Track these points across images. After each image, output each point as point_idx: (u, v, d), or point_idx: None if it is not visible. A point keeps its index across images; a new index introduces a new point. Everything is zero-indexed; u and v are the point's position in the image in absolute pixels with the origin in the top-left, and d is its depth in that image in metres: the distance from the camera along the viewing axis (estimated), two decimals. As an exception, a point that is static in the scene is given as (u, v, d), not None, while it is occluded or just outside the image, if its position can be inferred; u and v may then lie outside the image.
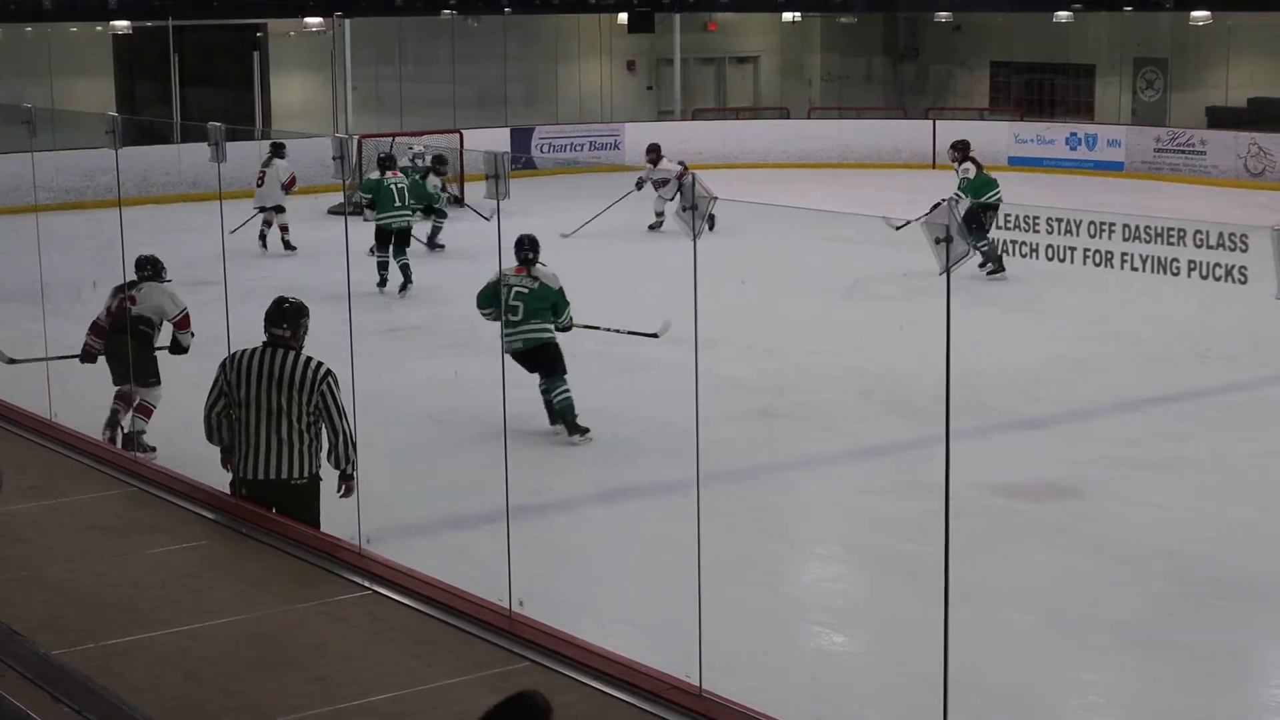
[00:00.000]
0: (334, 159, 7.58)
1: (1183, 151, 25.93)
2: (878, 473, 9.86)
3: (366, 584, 6.10)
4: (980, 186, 16.04)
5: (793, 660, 7.04)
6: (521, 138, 26.39)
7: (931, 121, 27.96)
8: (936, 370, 4.66)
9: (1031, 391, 11.41)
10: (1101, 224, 9.46)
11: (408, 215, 15.81)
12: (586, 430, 10.31)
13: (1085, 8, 27.87)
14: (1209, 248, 9.68)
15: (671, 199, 18.60)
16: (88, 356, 10.10)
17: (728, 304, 13.74)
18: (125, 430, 9.90)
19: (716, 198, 7.32)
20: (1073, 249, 9.74)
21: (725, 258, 14.16)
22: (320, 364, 6.91)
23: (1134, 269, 9.61)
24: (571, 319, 10.48)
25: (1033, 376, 11.60)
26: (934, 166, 26.74)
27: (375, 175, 16.31)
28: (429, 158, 19.12)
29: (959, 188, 16.23)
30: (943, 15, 30.14)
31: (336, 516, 6.86)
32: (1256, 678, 6.55)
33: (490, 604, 5.80)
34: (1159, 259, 9.44)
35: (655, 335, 11.09)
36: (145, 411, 9.93)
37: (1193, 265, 9.55)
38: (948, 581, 4.56)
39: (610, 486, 9.55)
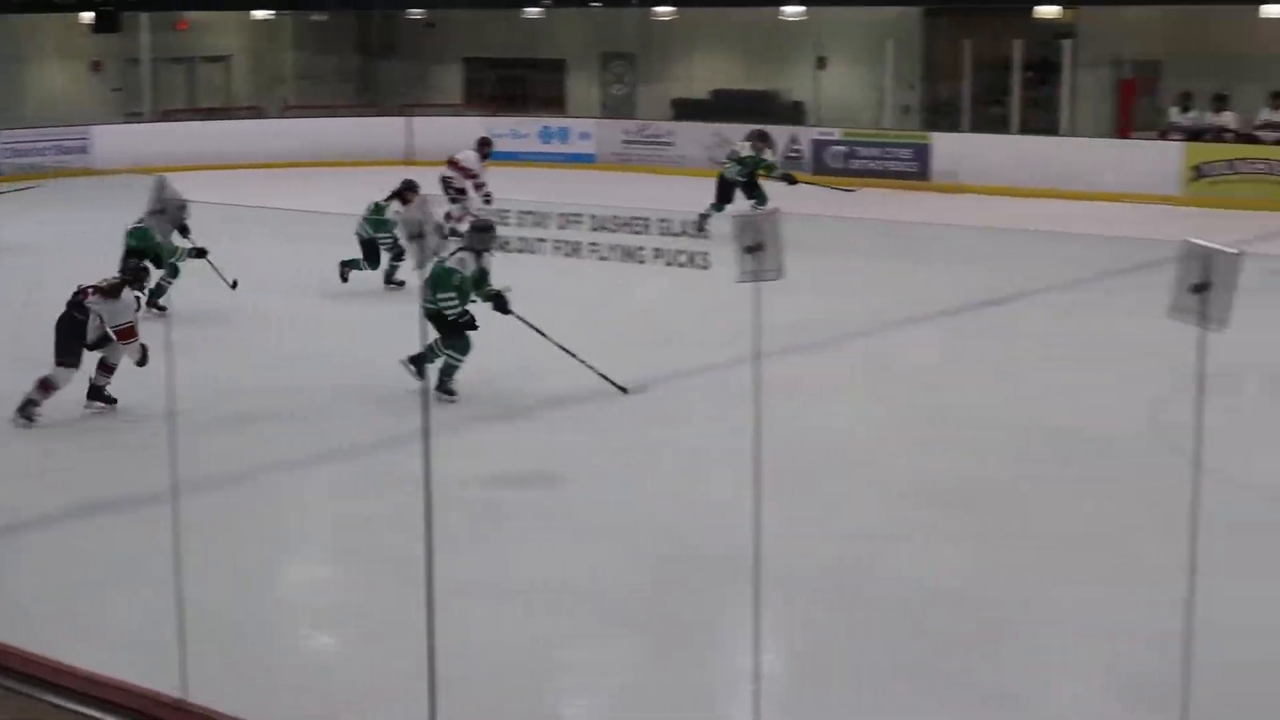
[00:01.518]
0: None
1: (651, 143, 26.87)
2: (361, 469, 9.83)
3: None
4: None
5: (281, 664, 6.94)
6: (-14, 142, 25.20)
7: (406, 119, 28.06)
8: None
9: (510, 382, 11.57)
10: (570, 215, 9.78)
11: None
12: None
13: (554, 4, 28.50)
14: (672, 235, 10.16)
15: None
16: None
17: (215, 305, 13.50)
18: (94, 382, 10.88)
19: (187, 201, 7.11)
20: (543, 240, 10.03)
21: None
22: None
23: (602, 258, 10.01)
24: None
25: (514, 366, 11.74)
26: (410, 163, 26.84)
27: None
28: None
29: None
30: (415, 12, 30.28)
31: None
32: (731, 647, 6.85)
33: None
34: (625, 247, 9.86)
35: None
36: (109, 369, 10.84)
37: (658, 252, 10.00)
38: (431, 575, 4.59)
39: (85, 499, 9.19)
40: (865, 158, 23.53)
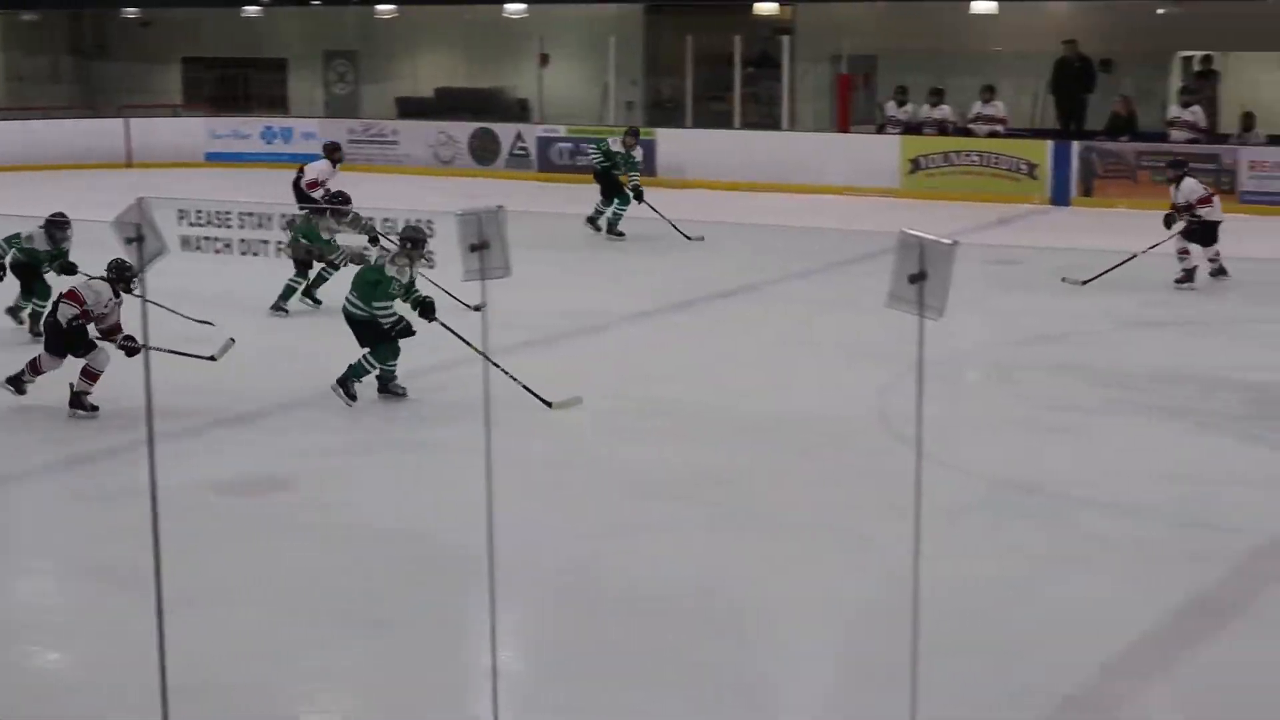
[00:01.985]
0: None
1: (376, 142, 26.63)
2: (87, 478, 9.56)
3: None
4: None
5: (7, 683, 6.70)
6: None
7: (124, 120, 27.35)
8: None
9: (235, 388, 11.35)
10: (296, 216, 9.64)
11: None
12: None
13: (273, 3, 28.10)
14: (395, 235, 10.09)
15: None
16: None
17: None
18: (73, 389, 10.69)
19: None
20: (265, 241, 9.87)
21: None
22: None
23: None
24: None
25: (234, 370, 11.49)
26: (130, 165, 26.20)
27: None
28: None
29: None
30: (130, 11, 29.54)
31: None
32: (471, 646, 6.82)
33: None
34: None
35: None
36: (91, 376, 10.67)
37: (384, 252, 9.92)
38: (160, 585, 4.48)
39: None
40: (591, 155, 23.60)
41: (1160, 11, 24.49)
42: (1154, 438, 10.28)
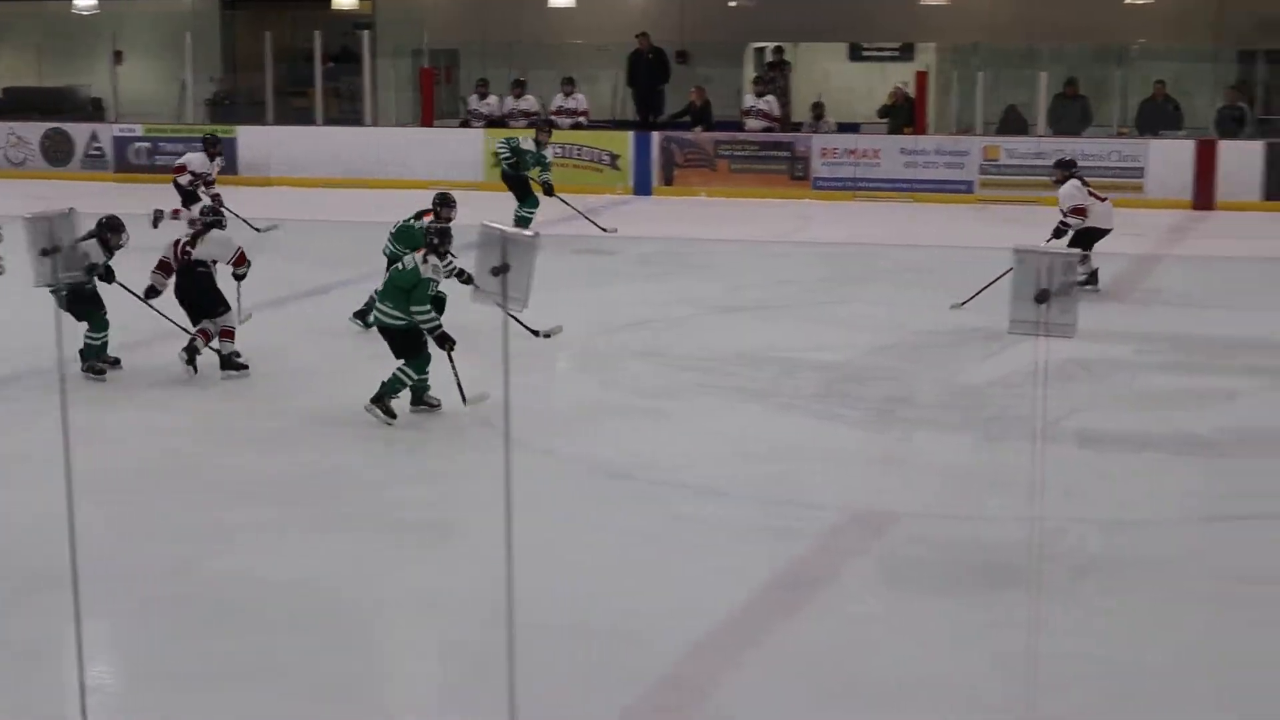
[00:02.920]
0: None
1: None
2: None
3: None
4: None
5: None
6: None
7: None
8: None
9: None
10: None
11: None
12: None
13: None
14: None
15: None
16: (153, 292, 11.55)
17: None
18: (221, 353, 11.46)
19: None
20: None
21: None
22: None
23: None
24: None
25: None
26: None
27: None
28: None
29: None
30: None
31: None
32: (58, 661, 6.54)
33: None
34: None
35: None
36: (228, 334, 11.50)
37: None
38: None
39: None
40: (169, 153, 22.91)
41: (732, 4, 25.26)
42: (738, 419, 10.58)
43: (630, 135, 22.86)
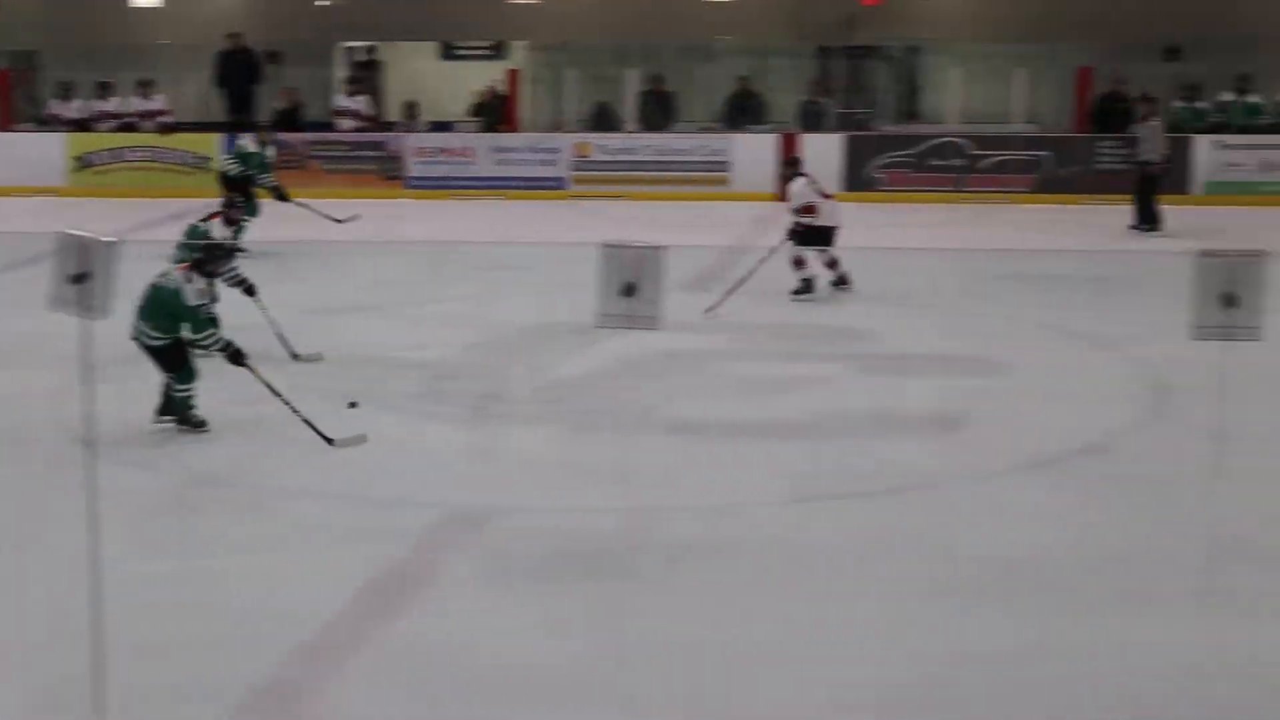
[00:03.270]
0: None
1: None
2: None
3: None
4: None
5: None
6: None
7: None
8: None
9: None
10: None
11: None
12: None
13: None
14: None
15: None
16: None
17: None
18: None
19: None
20: None
21: None
22: None
23: None
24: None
25: None
26: None
27: None
28: None
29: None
30: None
31: None
32: None
33: None
34: None
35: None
36: None
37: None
38: None
39: None
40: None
41: (323, 3, 25.00)
42: (335, 421, 10.49)
43: (217, 137, 22.34)
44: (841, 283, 14.72)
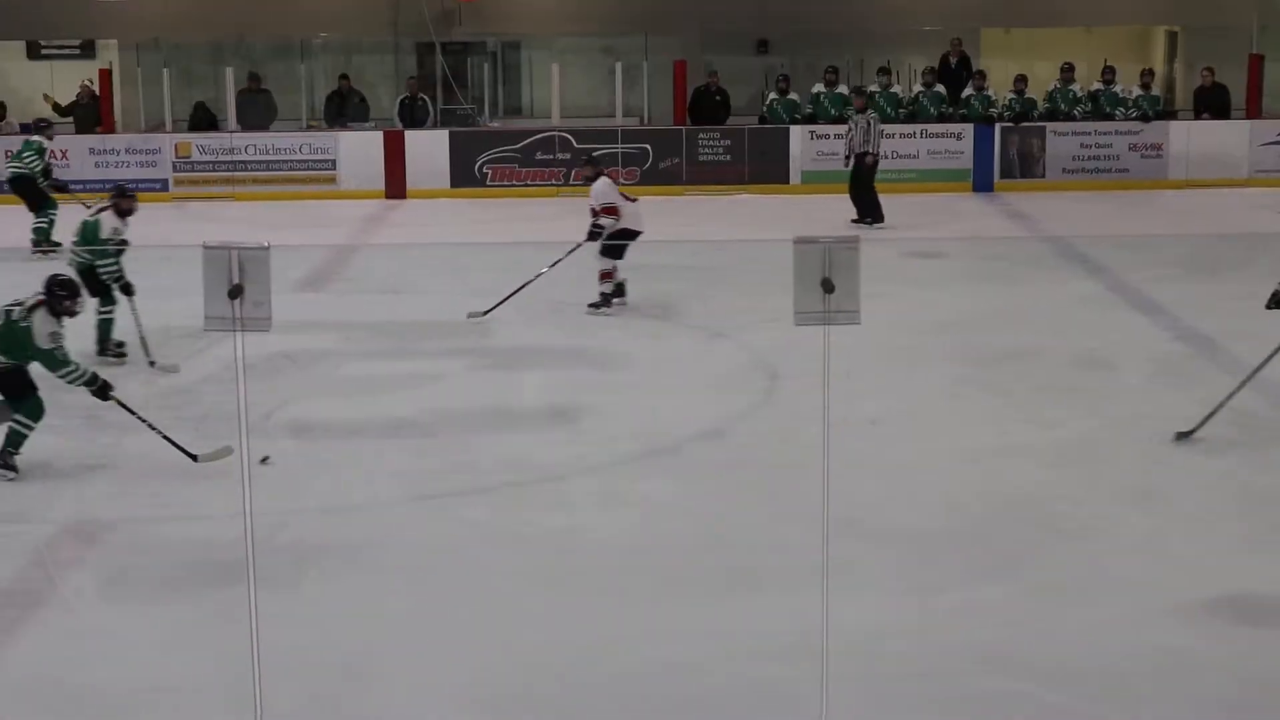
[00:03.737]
0: None
1: None
2: None
3: None
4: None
5: None
6: None
7: None
8: None
9: None
10: None
11: None
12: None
13: None
14: None
15: None
16: None
17: None
18: None
19: None
20: None
21: None
22: None
23: None
24: None
25: None
26: None
27: None
28: None
29: None
30: None
31: None
32: None
33: None
34: None
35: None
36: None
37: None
38: None
39: None
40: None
41: None
42: None
43: None
44: (617, 294, 13.83)
